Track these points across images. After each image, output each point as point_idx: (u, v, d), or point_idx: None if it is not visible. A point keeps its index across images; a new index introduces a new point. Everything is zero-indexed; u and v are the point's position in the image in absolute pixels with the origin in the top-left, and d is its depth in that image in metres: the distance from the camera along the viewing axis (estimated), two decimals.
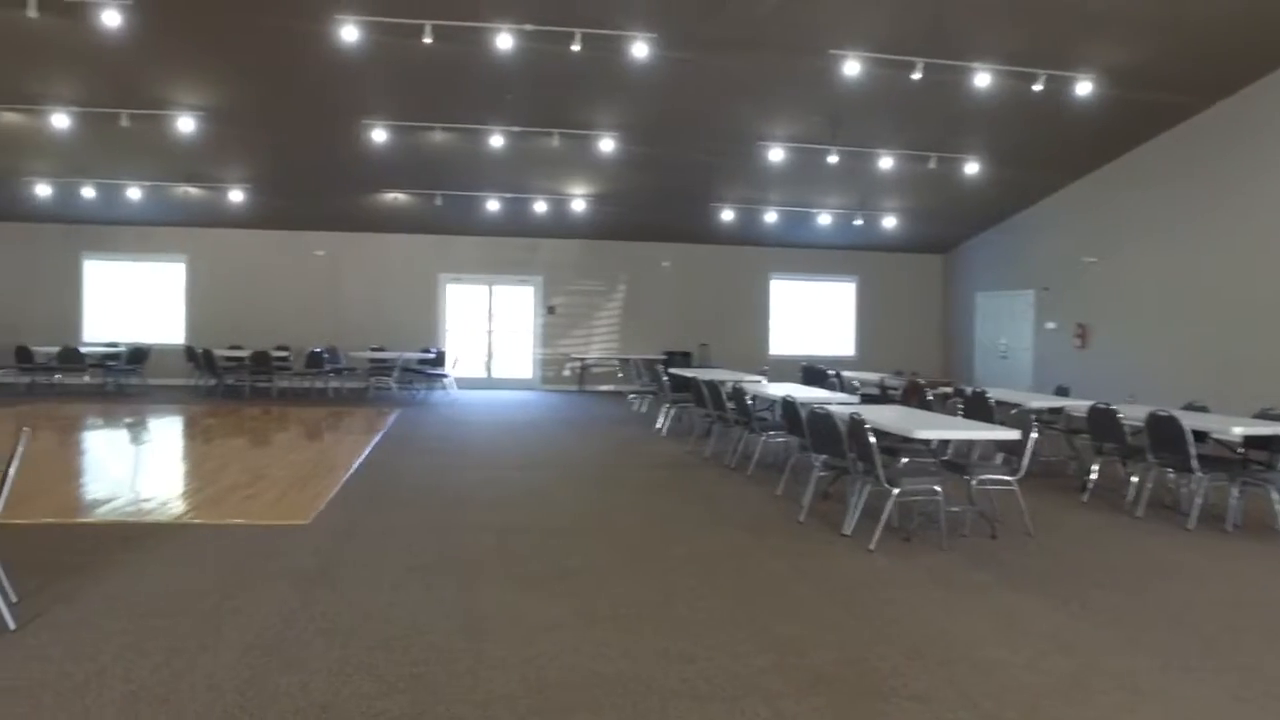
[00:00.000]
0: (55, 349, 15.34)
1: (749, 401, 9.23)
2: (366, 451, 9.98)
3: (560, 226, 17.59)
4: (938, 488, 6.35)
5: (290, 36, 10.62)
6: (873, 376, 13.02)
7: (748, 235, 18.02)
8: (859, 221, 16.99)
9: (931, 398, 10.12)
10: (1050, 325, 15.79)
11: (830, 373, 12.59)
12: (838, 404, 8.14)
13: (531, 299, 18.87)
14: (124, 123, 12.51)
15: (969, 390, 9.51)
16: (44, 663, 3.94)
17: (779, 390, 9.76)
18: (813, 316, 19.58)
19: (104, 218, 16.76)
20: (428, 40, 10.45)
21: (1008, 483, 6.75)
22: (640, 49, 10.84)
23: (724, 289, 19.11)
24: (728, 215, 16.86)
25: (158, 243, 17.51)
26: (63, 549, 5.74)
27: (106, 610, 4.61)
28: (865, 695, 3.78)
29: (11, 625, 4.32)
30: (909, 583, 5.41)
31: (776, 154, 13.88)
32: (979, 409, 9.05)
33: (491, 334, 18.94)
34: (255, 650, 4.12)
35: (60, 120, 12.57)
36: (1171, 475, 7.85)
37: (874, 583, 5.40)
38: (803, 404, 7.45)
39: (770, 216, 16.96)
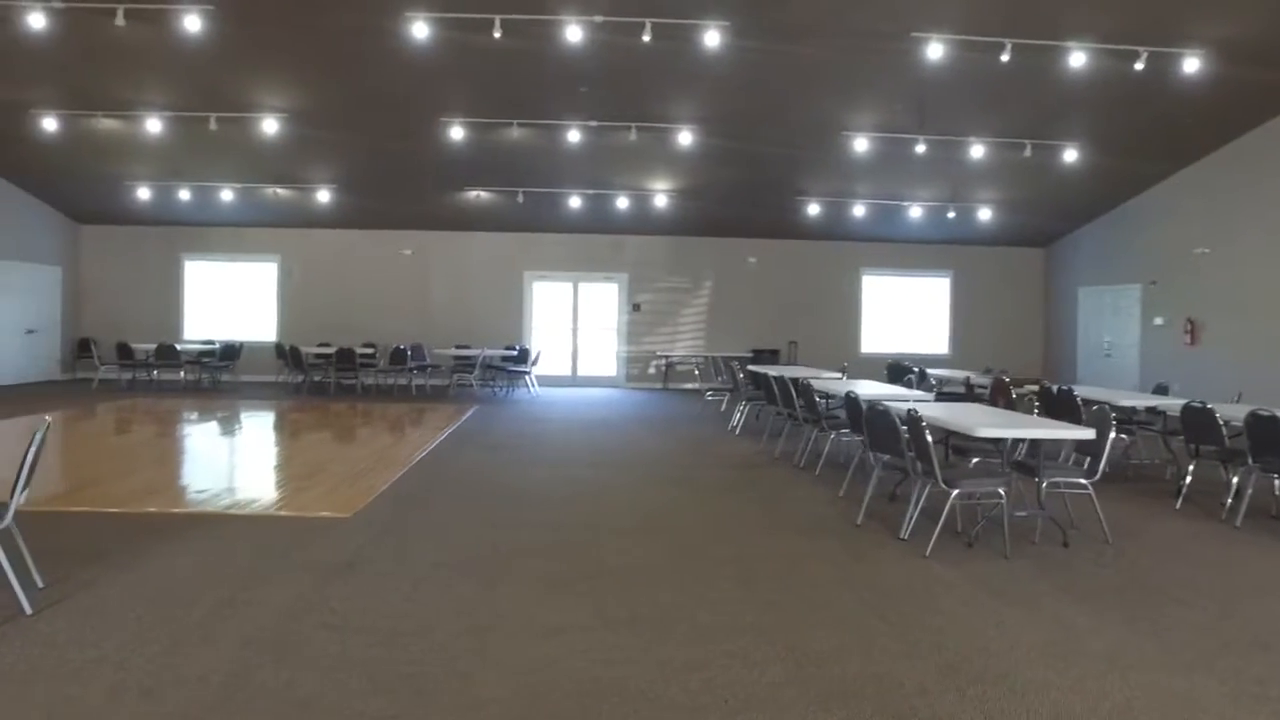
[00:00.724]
0: (153, 346, 15.90)
1: (817, 398, 8.86)
2: (431, 446, 9.97)
3: (644, 223, 17.42)
4: (1001, 490, 5.90)
5: (363, 35, 10.72)
6: (957, 374, 12.43)
7: (836, 229, 17.51)
8: (952, 214, 16.33)
9: (1016, 396, 9.56)
10: (1158, 321, 14.84)
11: (915, 369, 12.09)
12: (908, 401, 7.72)
13: (616, 296, 18.74)
14: (212, 126, 12.88)
15: (1054, 388, 8.93)
16: (46, 648, 3.93)
17: (845, 386, 9.36)
18: (906, 313, 18.91)
19: (201, 219, 17.35)
20: (497, 35, 10.41)
21: (1082, 486, 6.24)
22: (712, 38, 10.58)
23: (813, 285, 18.63)
24: (814, 209, 16.41)
25: (251, 243, 18.04)
26: (104, 537, 5.81)
27: (124, 598, 4.60)
28: (880, 714, 3.44)
29: (28, 610, 4.34)
30: (960, 592, 5.01)
31: (861, 144, 13.42)
32: (1065, 408, 8.48)
33: (577, 331, 18.88)
34: (254, 644, 4.03)
35: (153, 125, 13.02)
36: (1277, 481, 7.18)
37: (922, 591, 5.02)
38: (865, 400, 7.07)
39: (858, 210, 16.44)
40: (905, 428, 6.05)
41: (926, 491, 6.19)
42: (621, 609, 4.63)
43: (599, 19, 10.43)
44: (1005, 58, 10.46)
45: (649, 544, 6.00)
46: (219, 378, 16.81)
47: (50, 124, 13.00)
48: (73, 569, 5.05)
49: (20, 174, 15.59)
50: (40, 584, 4.72)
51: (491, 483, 8.02)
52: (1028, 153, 13.37)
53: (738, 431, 11.77)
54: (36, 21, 10.17)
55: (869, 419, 6.54)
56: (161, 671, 3.71)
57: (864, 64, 11.26)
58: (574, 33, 10.53)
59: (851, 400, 7.48)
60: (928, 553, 5.74)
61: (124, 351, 15.90)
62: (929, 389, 10.66)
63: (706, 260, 18.59)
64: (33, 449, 4.42)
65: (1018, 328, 18.60)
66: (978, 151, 13.43)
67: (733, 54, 10.94)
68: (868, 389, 8.89)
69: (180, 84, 12.12)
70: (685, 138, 13.48)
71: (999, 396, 10.32)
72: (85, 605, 4.49)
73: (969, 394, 11.38)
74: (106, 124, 13.23)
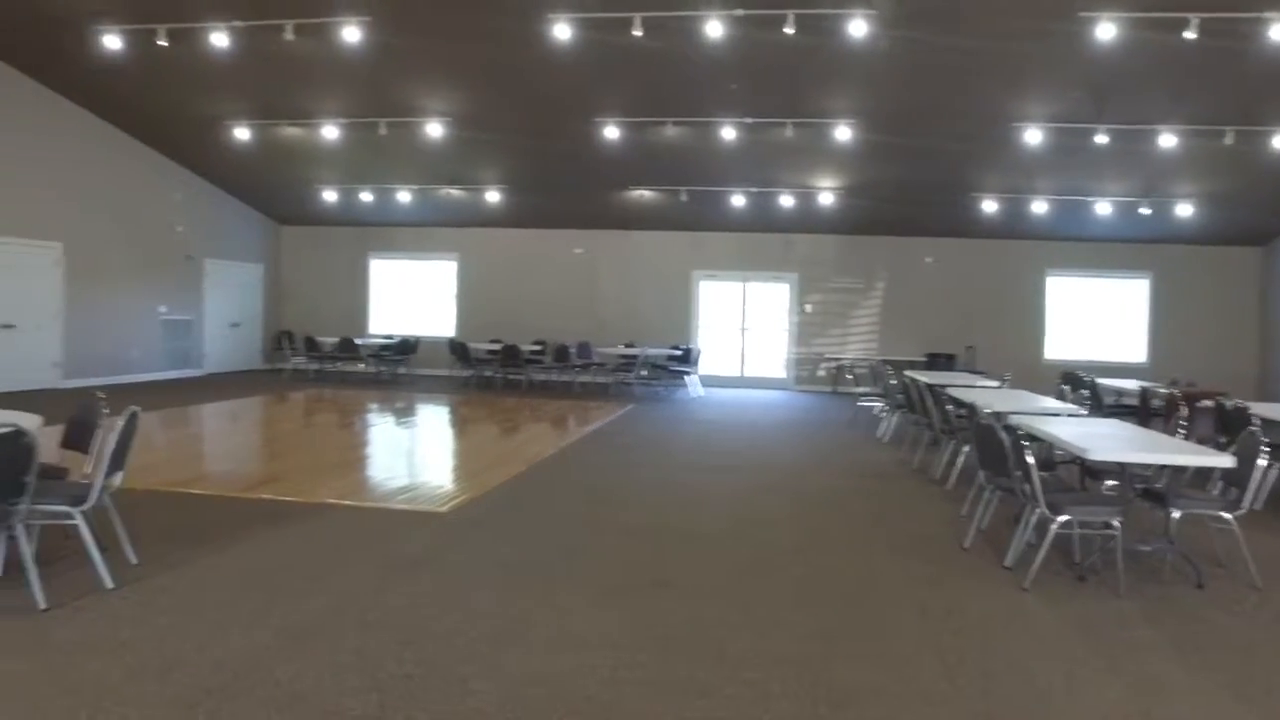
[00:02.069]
0: (336, 340, 16.97)
1: (951, 408, 8.29)
2: (565, 444, 10.06)
3: (811, 221, 16.97)
4: (1116, 520, 5.27)
5: (511, 39, 10.95)
6: (1131, 385, 11.31)
7: (1015, 228, 16.41)
8: (1146, 210, 14.93)
9: (1187, 412, 8.58)
10: None
11: (1087, 379, 11.13)
12: (1059, 416, 7.09)
13: (786, 296, 18.35)
14: (382, 131, 13.56)
15: (1229, 404, 7.95)
16: (107, 623, 4.19)
17: (997, 396, 8.69)
18: (1097, 318, 17.46)
19: (384, 220, 18.34)
20: (637, 33, 10.38)
21: (1224, 520, 5.48)
22: (858, 27, 10.12)
23: (993, 286, 17.53)
24: (990, 206, 15.44)
25: (432, 242, 18.92)
26: (219, 520, 6.17)
27: (197, 582, 4.85)
28: None
29: (109, 584, 4.64)
30: (1048, 634, 4.50)
31: (1034, 136, 12.48)
32: (1237, 427, 7.53)
33: (745, 332, 18.63)
34: (282, 634, 4.14)
35: (330, 131, 13.85)
36: None
37: (1000, 628, 4.55)
38: (983, 413, 6.53)
39: (1039, 206, 15.33)
40: (1009, 444, 5.52)
41: (1036, 516, 5.63)
42: (658, 625, 4.45)
43: (739, 12, 10.20)
44: (1189, 35, 9.42)
45: (724, 556, 5.77)
46: (396, 371, 17.71)
47: (242, 133, 14.09)
48: (172, 549, 5.38)
49: (228, 180, 17.01)
50: (134, 561, 5.05)
51: (602, 484, 7.99)
52: (1229, 140, 12.00)
53: (885, 439, 11.22)
54: (220, 40, 11.03)
55: (977, 434, 6.02)
56: (188, 654, 3.88)
57: (1027, 49, 10.44)
58: (714, 28, 10.35)
59: (971, 413, 6.93)
60: (1027, 584, 5.21)
61: (310, 344, 17.06)
62: (1082, 400, 9.75)
63: (878, 260, 17.90)
64: (115, 435, 4.73)
65: (1228, 335, 16.78)
66: (1168, 141, 12.19)
67: (883, 44, 10.45)
68: (1003, 400, 8.22)
69: (350, 92, 12.85)
70: (844, 133, 12.99)
71: (1172, 414, 9.32)
72: (160, 585, 4.76)
73: (1144, 408, 10.36)
74: (290, 131, 14.20)
